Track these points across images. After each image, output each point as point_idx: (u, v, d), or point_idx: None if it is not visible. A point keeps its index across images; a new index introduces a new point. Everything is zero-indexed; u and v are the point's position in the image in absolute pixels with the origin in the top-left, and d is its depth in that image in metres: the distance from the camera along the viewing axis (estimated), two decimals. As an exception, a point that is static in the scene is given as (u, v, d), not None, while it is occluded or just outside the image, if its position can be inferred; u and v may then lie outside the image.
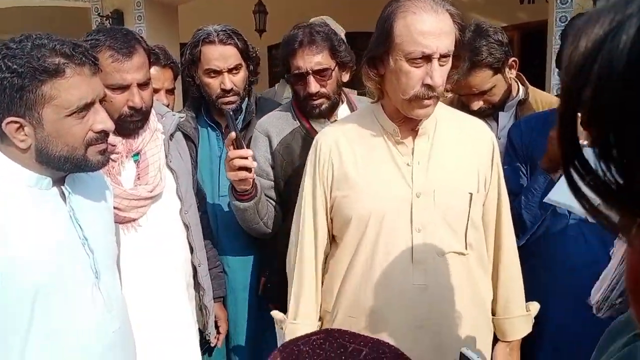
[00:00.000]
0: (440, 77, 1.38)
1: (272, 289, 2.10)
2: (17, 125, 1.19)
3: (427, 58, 1.37)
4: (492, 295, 1.61)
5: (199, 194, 2.03)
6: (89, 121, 1.25)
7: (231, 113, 1.79)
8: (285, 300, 1.97)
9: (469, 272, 1.52)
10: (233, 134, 1.70)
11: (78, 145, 1.24)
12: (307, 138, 1.98)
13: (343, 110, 2.08)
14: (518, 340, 1.65)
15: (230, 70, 2.08)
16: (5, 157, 1.25)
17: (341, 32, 2.74)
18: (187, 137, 2.07)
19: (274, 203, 2.01)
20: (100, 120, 1.25)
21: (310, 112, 1.99)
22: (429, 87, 1.38)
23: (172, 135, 1.88)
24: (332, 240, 1.63)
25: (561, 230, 1.82)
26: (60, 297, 1.25)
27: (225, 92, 2.09)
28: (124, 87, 1.63)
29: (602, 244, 1.75)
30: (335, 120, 2.01)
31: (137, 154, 1.74)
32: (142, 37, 1.72)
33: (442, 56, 1.37)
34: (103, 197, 1.46)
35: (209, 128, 2.22)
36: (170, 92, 2.44)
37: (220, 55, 2.06)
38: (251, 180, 1.77)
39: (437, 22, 1.36)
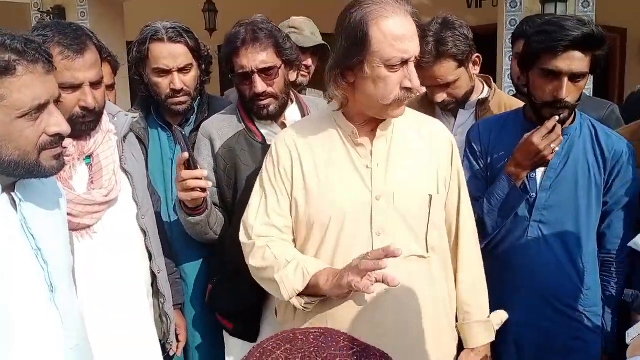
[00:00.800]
0: (417, 78, 1.38)
1: (219, 297, 2.01)
2: None
3: (405, 62, 1.37)
4: (454, 301, 1.60)
5: (153, 198, 1.94)
6: (42, 123, 1.15)
7: (182, 132, 1.70)
8: (234, 309, 1.91)
9: (430, 276, 1.51)
10: (186, 154, 1.62)
11: (30, 149, 1.14)
12: (252, 141, 1.92)
13: (292, 110, 2.01)
14: (485, 346, 1.63)
15: (180, 70, 1.99)
16: None
17: (317, 34, 2.71)
18: (137, 138, 1.97)
19: (218, 209, 1.95)
20: (55, 122, 1.16)
21: (258, 113, 1.90)
22: (408, 90, 1.39)
23: (125, 137, 1.79)
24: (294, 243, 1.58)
25: (522, 233, 1.84)
26: (13, 312, 1.16)
27: (175, 92, 1.99)
28: (76, 87, 1.53)
29: (563, 245, 1.80)
30: (283, 122, 1.97)
31: (89, 156, 1.65)
32: (93, 33, 1.63)
33: (415, 57, 1.38)
34: (57, 204, 1.36)
35: (159, 128, 2.13)
36: (110, 87, 2.32)
37: (169, 54, 1.96)
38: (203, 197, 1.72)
39: (408, 24, 1.36)
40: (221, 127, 1.95)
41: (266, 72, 1.84)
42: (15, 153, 1.13)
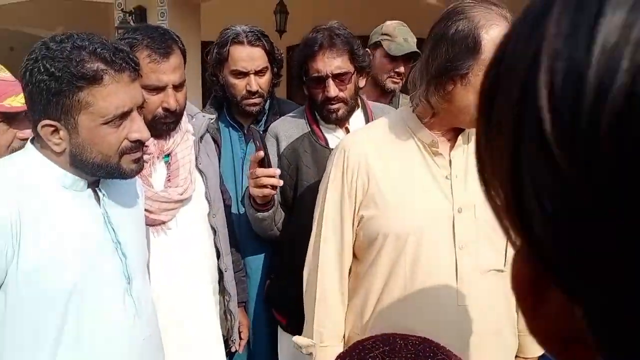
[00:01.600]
0: None
1: (274, 292, 2.09)
2: (53, 128, 1.16)
3: None
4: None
5: (224, 196, 2.00)
6: (124, 130, 1.20)
7: (259, 131, 1.77)
8: (288, 306, 1.96)
9: (505, 290, 1.45)
10: (261, 153, 1.68)
11: (112, 153, 1.20)
12: (315, 144, 1.96)
13: (357, 116, 2.03)
14: (535, 358, 1.58)
15: (257, 72, 2.05)
16: (41, 156, 1.22)
17: (412, 39, 2.69)
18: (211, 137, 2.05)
19: (280, 207, 2.00)
20: (137, 129, 1.21)
21: (327, 117, 1.94)
22: None
23: (201, 137, 1.85)
24: (354, 256, 1.54)
25: None
26: (92, 301, 1.22)
27: (251, 93, 2.06)
28: (160, 89, 1.60)
29: None
30: (347, 128, 1.98)
31: (168, 155, 1.71)
32: (178, 37, 1.69)
33: None
34: (135, 201, 1.43)
35: (230, 128, 2.19)
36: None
37: (248, 57, 2.03)
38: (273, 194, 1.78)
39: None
40: (288, 128, 2.00)
41: (340, 78, 1.87)
42: (98, 157, 1.19)
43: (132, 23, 6.21)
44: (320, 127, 1.99)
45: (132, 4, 6.40)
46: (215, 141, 2.07)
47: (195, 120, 1.84)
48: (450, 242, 1.40)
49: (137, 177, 1.54)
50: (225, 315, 1.91)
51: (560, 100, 0.27)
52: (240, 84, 2.06)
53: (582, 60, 0.26)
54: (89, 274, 1.22)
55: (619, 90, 0.25)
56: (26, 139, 1.42)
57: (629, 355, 0.28)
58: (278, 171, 1.73)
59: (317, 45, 1.85)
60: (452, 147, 1.44)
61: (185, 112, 1.78)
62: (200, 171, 1.79)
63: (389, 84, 2.53)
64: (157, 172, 1.69)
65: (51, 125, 1.16)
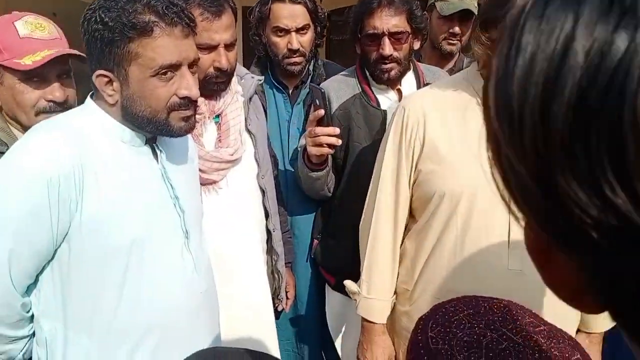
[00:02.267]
0: None
1: (323, 252, 2.11)
2: (107, 79, 1.19)
3: None
4: None
5: (272, 159, 2.01)
6: (174, 85, 1.20)
7: (322, 90, 1.76)
8: (335, 265, 2.03)
9: None
10: (321, 112, 1.70)
11: (160, 108, 1.21)
12: (367, 105, 1.97)
13: (408, 78, 2.01)
14: (600, 333, 1.53)
15: (298, 30, 2.04)
16: (101, 110, 1.25)
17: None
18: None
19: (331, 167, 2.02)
20: (186, 86, 1.21)
21: (379, 76, 1.93)
22: None
23: (250, 98, 1.86)
24: (411, 215, 1.56)
25: None
26: (152, 255, 1.26)
27: (292, 52, 2.05)
28: (212, 47, 1.60)
29: None
30: (398, 89, 1.98)
31: (218, 116, 1.73)
32: None
33: None
34: (191, 159, 1.45)
35: (275, 90, 2.19)
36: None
37: (290, 14, 2.02)
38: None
39: None
40: (339, 88, 2.01)
41: (395, 36, 1.86)
42: (147, 110, 1.20)
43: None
44: (372, 87, 1.99)
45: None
46: (260, 103, 2.08)
47: (244, 82, 1.85)
48: (504, 207, 1.36)
49: (189, 136, 1.57)
50: (273, 274, 1.95)
51: None
52: (281, 42, 2.05)
53: None
54: (149, 227, 1.25)
55: None
56: (54, 101, 1.46)
57: (623, 305, 0.35)
58: (337, 130, 1.74)
59: (375, 2, 1.85)
60: None
61: (235, 73, 1.78)
62: (250, 132, 1.81)
63: (445, 46, 2.46)
64: (208, 132, 1.71)
65: (105, 76, 1.18)
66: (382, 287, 1.57)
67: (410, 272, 1.53)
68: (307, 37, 2.07)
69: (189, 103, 1.23)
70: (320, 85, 2.03)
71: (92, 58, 1.19)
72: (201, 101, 1.65)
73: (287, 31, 2.03)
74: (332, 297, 2.12)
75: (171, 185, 1.31)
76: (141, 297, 1.25)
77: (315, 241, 2.16)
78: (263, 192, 1.85)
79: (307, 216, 2.19)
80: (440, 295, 1.45)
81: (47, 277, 1.22)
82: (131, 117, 1.23)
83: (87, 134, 1.21)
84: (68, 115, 1.29)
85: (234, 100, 1.75)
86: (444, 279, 1.44)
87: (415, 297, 1.52)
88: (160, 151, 1.32)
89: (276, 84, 2.18)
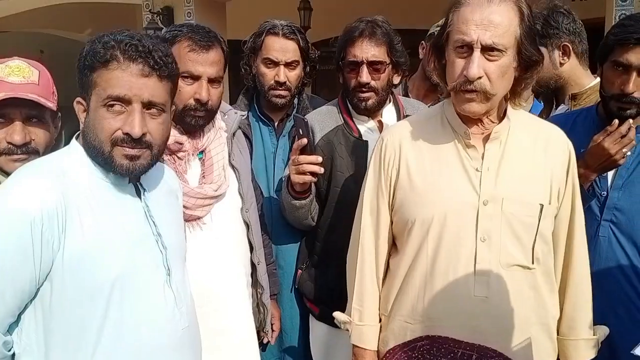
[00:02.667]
0: (475, 67, 1.32)
1: (306, 282, 2.13)
2: (82, 107, 1.26)
3: (469, 48, 1.34)
4: (558, 314, 1.54)
5: (256, 191, 2.04)
6: (120, 120, 1.22)
7: (305, 119, 1.82)
8: (319, 295, 2.04)
9: (535, 288, 1.45)
10: (305, 140, 1.76)
11: (104, 139, 1.22)
12: (349, 135, 2.03)
13: (388, 110, 2.09)
14: None
15: (287, 64, 2.12)
16: (83, 150, 1.28)
17: None
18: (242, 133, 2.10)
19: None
20: (130, 122, 1.21)
21: (357, 105, 2.01)
22: (466, 79, 1.35)
23: (234, 134, 1.89)
24: (393, 243, 1.60)
25: (593, 232, 1.77)
26: (134, 292, 1.27)
27: (279, 84, 2.12)
28: (194, 77, 1.65)
29: (634, 247, 1.73)
30: (379, 120, 2.05)
31: (202, 152, 1.76)
32: (223, 39, 1.74)
33: (487, 49, 1.32)
34: (174, 196, 1.48)
35: (261, 123, 2.24)
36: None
37: (281, 48, 2.10)
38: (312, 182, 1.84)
39: (487, 12, 1.32)
40: (322, 120, 2.08)
41: (374, 66, 1.95)
42: (95, 140, 1.23)
43: (159, 24, 6.32)
44: (354, 119, 2.06)
45: (159, 4, 6.51)
46: (246, 136, 2.12)
47: (227, 117, 1.89)
48: (473, 233, 1.41)
49: (174, 172, 1.59)
50: (258, 307, 1.95)
51: None
52: (269, 74, 2.12)
53: None
54: (130, 265, 1.26)
55: None
56: (12, 143, 1.45)
57: None
58: (320, 159, 1.80)
59: (357, 32, 1.95)
60: (487, 140, 1.46)
61: (218, 110, 1.82)
62: (234, 167, 1.84)
63: (435, 77, 2.55)
64: (192, 169, 1.73)
65: (81, 103, 1.26)
66: (372, 313, 1.60)
67: (386, 298, 1.57)
68: (295, 73, 2.15)
69: (134, 142, 1.23)
70: (305, 117, 2.08)
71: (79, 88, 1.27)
72: (184, 139, 1.69)
73: (276, 64, 2.11)
74: (316, 328, 2.12)
75: (154, 222, 1.33)
76: (123, 334, 1.25)
77: (300, 271, 2.18)
78: (247, 225, 1.86)
79: (293, 246, 2.21)
80: (411, 320, 1.49)
81: (29, 315, 1.22)
82: (86, 145, 1.26)
83: (70, 174, 1.24)
84: (53, 156, 1.33)
85: (218, 136, 1.79)
86: (415, 304, 1.48)
87: (389, 322, 1.55)
88: (144, 189, 1.34)
89: (262, 116, 2.23)
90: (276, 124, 2.23)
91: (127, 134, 1.22)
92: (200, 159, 1.76)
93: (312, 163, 1.77)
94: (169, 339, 1.32)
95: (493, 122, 1.46)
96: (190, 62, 1.63)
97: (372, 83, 1.95)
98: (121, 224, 1.27)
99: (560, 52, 2.09)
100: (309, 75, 2.24)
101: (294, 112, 2.24)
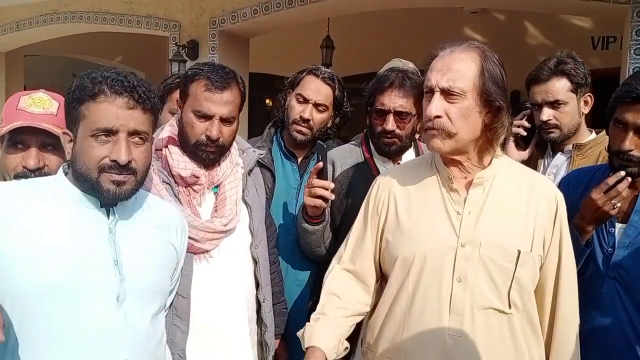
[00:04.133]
0: (433, 107, 1.45)
1: None
2: (69, 138, 1.33)
3: (432, 91, 1.47)
4: None
5: (270, 228, 2.06)
6: (107, 149, 1.29)
7: (324, 146, 1.92)
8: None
9: (512, 333, 1.45)
10: (320, 164, 1.85)
11: (92, 167, 1.29)
12: (368, 174, 2.09)
13: (408, 155, 2.18)
14: None
15: (316, 105, 2.19)
16: (63, 176, 1.36)
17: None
18: (263, 166, 2.15)
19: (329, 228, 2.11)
20: (116, 151, 1.28)
21: (380, 148, 2.11)
22: (427, 118, 1.47)
23: (250, 171, 1.94)
24: (381, 281, 1.66)
25: (597, 289, 1.77)
26: (70, 307, 1.26)
27: (302, 120, 2.18)
28: (207, 117, 1.70)
29: (637, 307, 1.71)
30: (399, 162, 2.13)
31: (217, 186, 1.80)
32: (242, 80, 1.80)
33: (445, 92, 1.45)
34: (167, 231, 1.48)
35: (284, 158, 2.29)
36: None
37: (316, 88, 2.19)
38: (324, 207, 1.93)
39: (448, 60, 1.46)
40: (344, 156, 2.18)
41: (400, 115, 2.04)
42: (83, 167, 1.30)
43: (184, 56, 6.51)
44: (374, 158, 2.16)
45: (186, 38, 6.71)
46: (269, 170, 2.18)
47: (246, 155, 1.94)
48: (450, 273, 1.46)
49: (186, 206, 1.63)
50: (261, 345, 1.94)
51: None
52: (297, 108, 2.21)
53: None
54: (70, 281, 1.26)
55: None
56: (27, 167, 1.57)
57: None
58: (332, 185, 1.89)
59: (388, 82, 2.06)
60: (470, 185, 1.52)
61: (236, 146, 1.88)
62: (246, 203, 1.87)
63: None
64: (206, 202, 1.77)
65: (67, 134, 1.33)
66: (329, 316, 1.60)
67: (371, 330, 1.61)
68: (321, 116, 2.22)
69: (121, 169, 1.30)
70: (329, 152, 2.17)
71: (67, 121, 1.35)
72: (202, 173, 1.74)
73: (306, 101, 2.19)
74: None
75: (116, 249, 1.33)
76: (54, 348, 1.25)
77: (310, 303, 2.18)
78: (255, 262, 1.88)
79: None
80: (391, 355, 1.52)
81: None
82: (74, 173, 1.33)
83: (43, 191, 1.34)
84: (40, 178, 1.47)
85: (234, 172, 1.83)
86: (395, 339, 1.52)
87: (373, 357, 1.58)
88: (115, 216, 1.36)
89: (286, 151, 2.29)
90: (299, 160, 2.29)
91: (114, 161, 1.28)
92: (215, 193, 1.80)
93: (324, 188, 1.86)
94: None
95: (476, 167, 1.52)
96: (205, 101, 1.69)
97: (397, 131, 2.06)
98: (72, 240, 1.29)
99: (583, 102, 2.18)
100: (337, 127, 2.32)
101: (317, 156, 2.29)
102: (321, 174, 1.88)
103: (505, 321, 1.45)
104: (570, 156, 2.19)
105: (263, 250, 1.93)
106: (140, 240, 1.40)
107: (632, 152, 1.69)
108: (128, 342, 1.32)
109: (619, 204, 1.72)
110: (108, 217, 1.35)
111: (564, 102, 2.14)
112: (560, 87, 2.14)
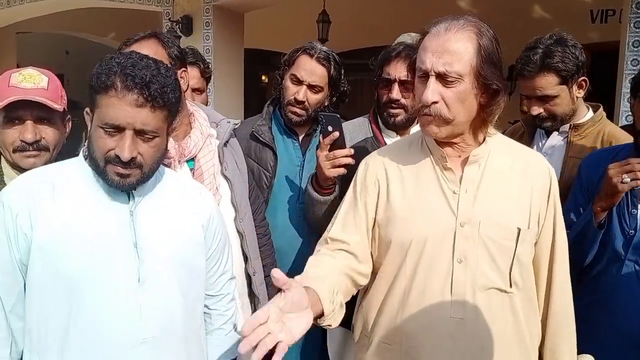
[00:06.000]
0: (430, 93, 1.36)
1: None
2: (90, 117, 1.35)
3: (426, 75, 1.39)
4: (539, 340, 1.51)
5: (257, 202, 2.05)
6: (113, 142, 1.30)
7: (336, 115, 1.90)
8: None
9: (513, 311, 1.43)
10: (337, 134, 1.85)
11: (99, 156, 1.32)
12: (376, 147, 2.05)
13: (415, 129, 2.13)
14: None
15: (310, 86, 2.15)
16: (82, 159, 1.40)
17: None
18: (265, 144, 2.16)
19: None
20: (120, 147, 1.30)
21: (386, 119, 2.11)
22: (422, 104, 1.40)
23: (226, 143, 1.91)
24: (373, 264, 1.57)
25: (615, 270, 1.76)
26: (94, 291, 1.30)
27: (297, 102, 2.15)
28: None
29: None
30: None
31: (192, 160, 1.77)
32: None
33: (441, 76, 1.36)
34: (192, 212, 1.49)
35: (285, 136, 2.27)
36: (198, 91, 2.58)
37: (310, 69, 2.14)
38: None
39: (443, 40, 1.36)
40: (352, 131, 2.19)
41: (405, 85, 2.03)
42: (94, 153, 1.33)
43: (178, 32, 6.43)
44: (382, 133, 2.15)
45: (179, 13, 6.62)
46: (271, 149, 2.16)
47: (220, 127, 1.90)
48: (449, 255, 1.41)
49: (199, 193, 1.57)
50: None
51: None
52: (292, 89, 2.16)
53: None
54: (95, 264, 1.31)
55: None
56: (24, 141, 1.64)
57: None
58: (352, 150, 1.89)
59: (394, 53, 2.06)
60: (465, 163, 1.46)
61: (206, 117, 1.85)
62: (226, 177, 1.84)
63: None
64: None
65: (88, 113, 1.36)
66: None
67: (365, 318, 1.56)
68: (317, 97, 2.17)
69: (125, 163, 1.31)
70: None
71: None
72: (171, 145, 1.68)
73: (300, 82, 2.14)
74: (332, 330, 2.12)
75: (135, 231, 1.36)
76: (86, 328, 1.31)
77: None
78: (241, 235, 1.87)
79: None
80: (389, 341, 1.48)
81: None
82: (89, 153, 1.36)
83: (63, 177, 1.38)
84: (58, 163, 1.47)
85: (207, 144, 1.80)
86: (392, 325, 1.47)
87: (369, 343, 1.54)
88: (135, 200, 1.38)
89: (286, 129, 2.26)
90: (301, 138, 2.26)
91: (117, 156, 1.30)
92: (191, 169, 1.77)
93: (347, 156, 1.87)
94: (128, 343, 1.33)
95: (470, 145, 1.47)
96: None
97: (402, 100, 2.04)
98: (94, 224, 1.33)
99: (577, 87, 2.07)
100: (334, 105, 2.27)
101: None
102: (335, 143, 1.87)
103: (507, 300, 1.42)
104: (567, 136, 2.13)
105: (248, 223, 1.91)
106: (163, 221, 1.42)
107: None
108: (153, 322, 1.35)
109: (628, 179, 1.68)
110: (129, 200, 1.38)
111: (554, 95, 2.05)
112: (547, 83, 2.03)
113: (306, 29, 7.41)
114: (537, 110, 2.09)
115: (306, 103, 2.15)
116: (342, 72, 2.22)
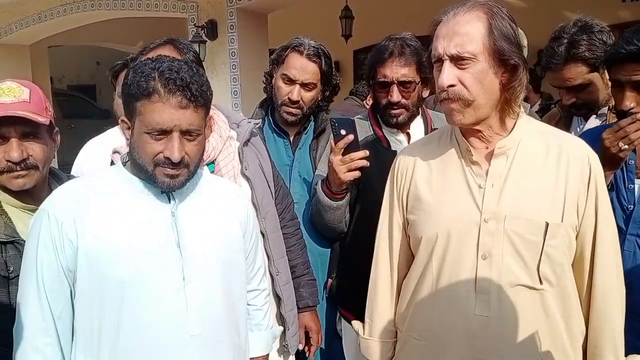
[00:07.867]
0: (445, 77, 1.35)
1: (340, 291, 2.14)
2: (127, 125, 1.38)
3: (441, 60, 1.37)
4: (581, 338, 1.43)
5: (286, 200, 2.03)
6: (161, 145, 1.33)
7: (352, 119, 1.89)
8: (352, 301, 2.00)
9: (545, 308, 1.36)
10: (351, 137, 1.84)
11: (147, 161, 1.34)
12: (378, 146, 2.05)
13: (417, 123, 2.12)
14: None
15: (303, 85, 2.12)
16: (121, 166, 1.45)
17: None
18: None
19: None
20: (169, 149, 1.33)
21: (388, 120, 2.05)
22: (441, 89, 1.38)
23: (246, 142, 1.90)
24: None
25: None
26: (144, 292, 1.34)
27: (291, 102, 2.13)
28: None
29: None
30: (407, 132, 2.09)
31: (212, 163, 1.77)
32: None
33: (455, 58, 1.35)
34: (229, 210, 1.53)
35: (276, 135, 2.26)
36: None
37: (301, 67, 2.11)
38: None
39: (452, 24, 1.36)
40: None
41: (404, 85, 1.98)
42: (140, 159, 1.36)
43: (204, 37, 6.51)
44: (383, 130, 2.10)
45: (204, 18, 6.69)
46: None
47: (240, 127, 1.90)
48: (474, 251, 1.37)
49: (236, 194, 1.62)
50: (277, 319, 1.92)
51: None
52: (285, 89, 2.14)
53: None
54: (143, 267, 1.34)
55: None
56: (10, 161, 1.51)
57: None
58: (367, 152, 1.88)
59: (387, 53, 1.98)
60: (492, 156, 1.42)
61: (225, 120, 1.84)
62: (247, 177, 1.84)
63: None
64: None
65: (125, 122, 1.38)
66: (381, 329, 1.58)
67: (399, 313, 1.56)
68: (310, 94, 2.15)
69: (174, 164, 1.34)
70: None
71: (124, 107, 1.39)
72: None
73: (293, 82, 2.12)
74: (349, 331, 2.09)
75: (177, 231, 1.39)
76: (137, 332, 1.34)
77: (330, 280, 2.18)
78: (263, 235, 1.85)
79: (321, 256, 2.21)
80: (418, 336, 1.47)
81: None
82: (133, 163, 1.39)
83: (102, 184, 1.41)
84: (100, 170, 1.53)
85: (226, 147, 1.80)
86: (422, 322, 1.47)
87: (403, 339, 1.54)
88: (176, 201, 1.42)
89: (277, 129, 2.25)
90: (292, 137, 2.25)
91: (167, 158, 1.32)
92: (211, 171, 1.75)
93: (362, 158, 1.85)
94: (176, 341, 1.37)
95: (498, 135, 1.41)
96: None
97: (403, 101, 1.99)
98: (140, 228, 1.36)
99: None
100: (327, 100, 2.24)
101: (313, 129, 2.25)
102: (349, 147, 1.85)
103: (537, 297, 1.36)
104: (606, 119, 2.04)
105: (271, 222, 1.90)
106: (202, 220, 1.45)
107: (634, 109, 1.60)
108: (200, 318, 1.39)
109: (626, 146, 1.62)
110: (169, 202, 1.41)
111: (585, 84, 1.97)
112: (576, 73, 1.97)
113: (330, 25, 7.40)
114: (569, 99, 2.04)
115: (300, 102, 2.13)
116: (333, 65, 2.18)
